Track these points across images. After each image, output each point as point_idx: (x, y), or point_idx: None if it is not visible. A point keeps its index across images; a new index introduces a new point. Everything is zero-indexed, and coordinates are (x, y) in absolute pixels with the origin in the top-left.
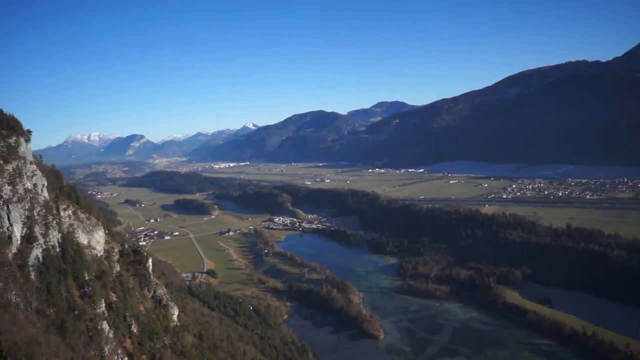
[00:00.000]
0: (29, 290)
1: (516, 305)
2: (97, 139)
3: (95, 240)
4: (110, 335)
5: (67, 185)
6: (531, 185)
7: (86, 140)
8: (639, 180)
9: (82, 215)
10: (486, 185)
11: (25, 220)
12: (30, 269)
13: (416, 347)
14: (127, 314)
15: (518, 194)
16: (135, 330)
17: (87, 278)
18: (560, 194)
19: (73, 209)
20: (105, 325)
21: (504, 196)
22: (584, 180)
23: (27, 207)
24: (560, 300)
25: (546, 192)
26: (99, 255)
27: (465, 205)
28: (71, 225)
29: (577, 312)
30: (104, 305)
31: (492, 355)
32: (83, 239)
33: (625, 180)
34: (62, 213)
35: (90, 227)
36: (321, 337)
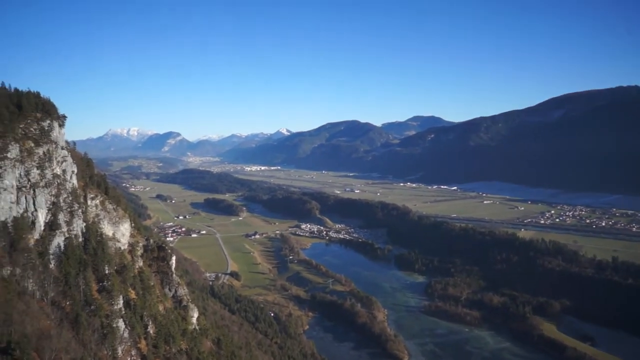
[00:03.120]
0: (46, 280)
1: (554, 340)
2: (136, 133)
3: (121, 232)
4: (125, 334)
5: (98, 175)
6: (571, 212)
7: (125, 134)
8: None
9: (110, 206)
10: (522, 208)
11: (51, 206)
12: (51, 257)
13: None
14: (145, 313)
15: (557, 220)
16: (151, 332)
17: (107, 272)
18: (604, 224)
19: (101, 198)
20: (120, 324)
21: (542, 221)
22: (630, 212)
23: (53, 192)
24: (602, 339)
25: (587, 221)
26: (122, 248)
27: (500, 227)
28: (97, 215)
29: (621, 353)
30: (121, 301)
31: None
32: (108, 230)
33: None
34: (89, 202)
35: (117, 219)
36: (341, 352)
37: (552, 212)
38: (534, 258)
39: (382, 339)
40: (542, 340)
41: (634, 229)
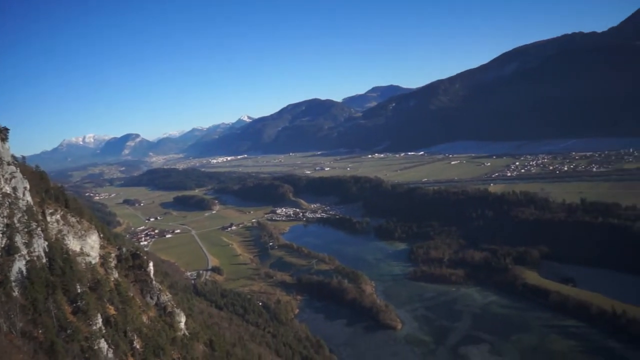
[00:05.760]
0: (12, 310)
1: (537, 286)
2: (92, 140)
3: (89, 245)
4: (110, 355)
5: (55, 188)
6: (535, 162)
7: (81, 143)
8: None
9: (72, 219)
10: (489, 164)
11: (5, 229)
12: (13, 284)
13: (436, 336)
14: (128, 328)
15: (522, 171)
16: (138, 346)
17: (79, 290)
18: (566, 169)
19: (61, 213)
20: (103, 344)
21: (509, 174)
22: (588, 154)
23: (5, 214)
24: (583, 279)
25: (551, 168)
26: (93, 262)
27: (471, 185)
28: (60, 231)
29: (602, 289)
30: (100, 320)
31: (517, 340)
32: (74, 245)
33: (631, 150)
34: (48, 218)
35: (82, 232)
36: (336, 330)
37: (517, 163)
38: (507, 210)
39: (373, 311)
40: (526, 289)
41: (594, 170)
